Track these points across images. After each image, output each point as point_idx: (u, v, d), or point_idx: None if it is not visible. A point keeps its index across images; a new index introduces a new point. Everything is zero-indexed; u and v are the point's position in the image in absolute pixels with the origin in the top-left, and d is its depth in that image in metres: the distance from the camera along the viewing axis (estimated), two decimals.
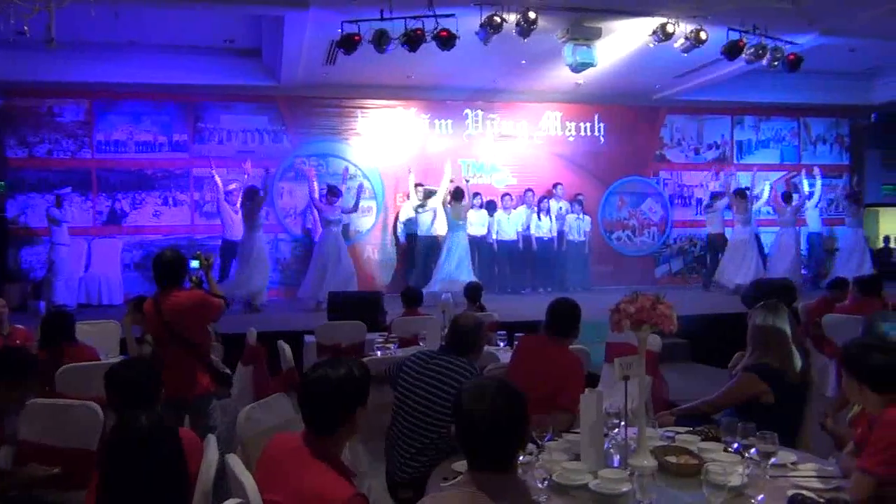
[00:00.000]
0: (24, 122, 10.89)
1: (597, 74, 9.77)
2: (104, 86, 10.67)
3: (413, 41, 7.68)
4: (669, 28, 8.30)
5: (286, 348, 5.32)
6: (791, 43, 9.01)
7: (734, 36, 8.66)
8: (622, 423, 2.87)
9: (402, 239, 11.58)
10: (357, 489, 2.22)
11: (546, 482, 2.53)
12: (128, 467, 2.05)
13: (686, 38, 8.46)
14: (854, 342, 2.81)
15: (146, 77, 10.35)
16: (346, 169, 11.37)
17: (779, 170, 13.45)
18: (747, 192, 11.34)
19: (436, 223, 10.88)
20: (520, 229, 11.45)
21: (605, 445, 2.88)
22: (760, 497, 2.41)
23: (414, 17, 7.63)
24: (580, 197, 12.02)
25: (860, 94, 12.99)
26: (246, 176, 10.15)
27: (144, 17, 8.93)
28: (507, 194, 11.62)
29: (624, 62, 9.86)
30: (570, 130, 12.78)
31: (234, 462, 2.49)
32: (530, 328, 5.98)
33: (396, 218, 11.75)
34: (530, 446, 2.58)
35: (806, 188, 12.35)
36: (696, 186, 13.42)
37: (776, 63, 8.96)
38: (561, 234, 11.66)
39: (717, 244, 11.85)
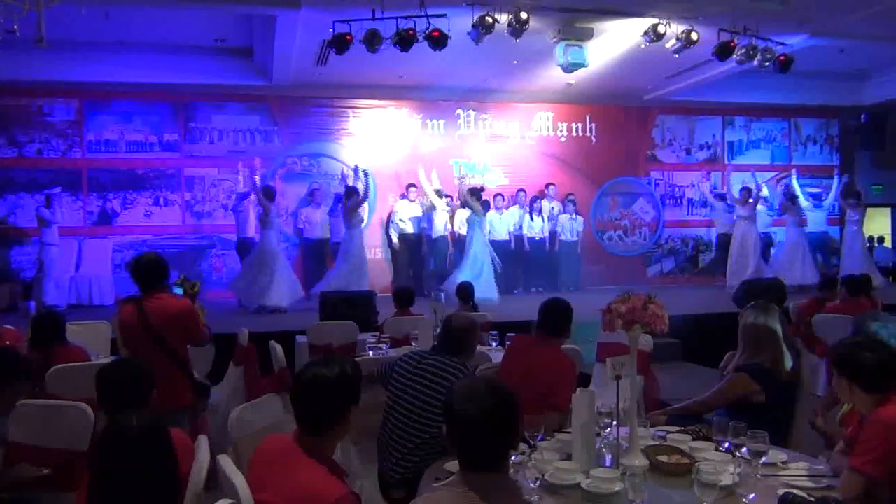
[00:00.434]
0: (14, 121, 10.83)
1: (588, 75, 9.79)
2: (95, 85, 10.62)
3: (405, 41, 7.67)
4: (661, 29, 8.33)
5: (278, 348, 5.30)
6: (781, 44, 9.05)
7: (725, 37, 8.69)
8: (614, 423, 2.87)
9: (394, 239, 11.48)
10: (350, 488, 2.22)
11: (538, 482, 2.53)
12: (119, 468, 2.04)
13: (677, 39, 8.49)
14: (844, 342, 2.83)
15: (137, 76, 10.31)
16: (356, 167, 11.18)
17: (769, 170, 13.51)
18: (751, 192, 11.39)
19: (441, 224, 10.90)
20: (512, 229, 11.47)
21: (597, 445, 2.88)
22: (751, 496, 2.42)
23: (406, 17, 7.63)
24: (572, 197, 12.03)
25: (850, 95, 13.07)
26: (258, 176, 10.07)
27: (135, 17, 8.90)
28: (500, 194, 11.64)
29: (615, 63, 9.88)
30: (561, 130, 12.81)
31: (226, 462, 2.48)
32: (522, 328, 5.99)
33: (389, 217, 11.66)
34: (522, 446, 2.59)
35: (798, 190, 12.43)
36: (688, 186, 13.47)
37: (767, 64, 9.00)
38: (553, 234, 11.69)
39: (725, 244, 11.92)
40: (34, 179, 10.79)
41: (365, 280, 9.66)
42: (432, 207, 11.11)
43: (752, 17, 8.50)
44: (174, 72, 10.38)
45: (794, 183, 12.17)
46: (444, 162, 11.91)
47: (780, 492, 2.46)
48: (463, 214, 10.85)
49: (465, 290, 6.92)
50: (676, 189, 13.45)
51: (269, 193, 9.77)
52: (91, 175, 11.06)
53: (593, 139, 12.92)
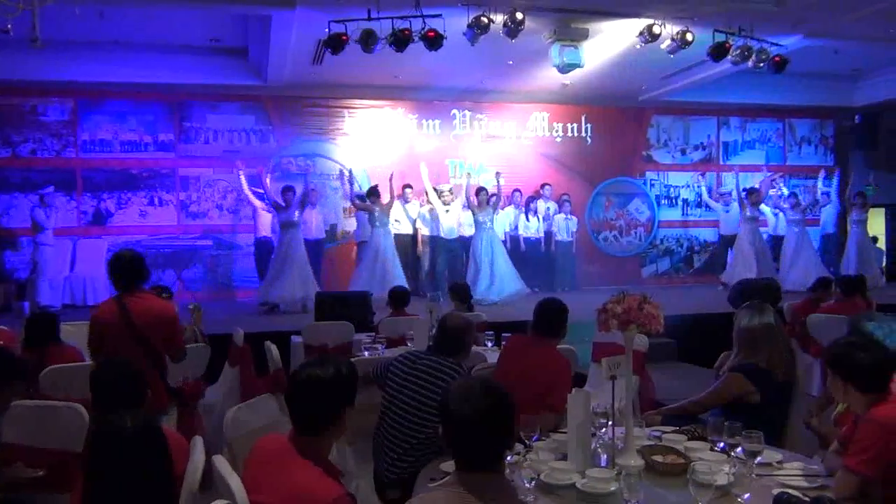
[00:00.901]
0: (8, 121, 10.79)
1: (584, 75, 9.79)
2: (89, 85, 10.58)
3: (400, 41, 7.67)
4: (656, 29, 8.34)
5: (273, 349, 5.29)
6: (776, 45, 9.07)
7: (720, 37, 8.71)
8: (609, 423, 2.88)
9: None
10: (345, 489, 2.21)
11: (533, 482, 2.54)
12: (113, 469, 2.04)
13: (672, 40, 8.51)
14: (839, 341, 2.83)
15: (131, 76, 10.28)
16: (350, 171, 11.18)
17: (766, 171, 13.53)
18: (755, 192, 11.41)
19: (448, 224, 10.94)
20: (507, 229, 11.48)
21: (593, 445, 2.89)
22: (746, 496, 2.42)
23: (401, 17, 7.62)
24: (566, 197, 12.04)
25: (844, 96, 13.12)
26: (269, 177, 10.04)
27: (129, 16, 8.87)
28: (495, 195, 11.63)
29: (611, 63, 9.90)
30: (557, 131, 12.82)
31: (221, 463, 2.47)
32: (518, 328, 6.00)
33: None
34: (518, 446, 2.59)
35: (785, 191, 12.51)
36: (683, 187, 13.50)
37: (762, 64, 9.01)
38: (548, 234, 11.70)
39: (727, 245, 11.96)
40: (28, 179, 10.75)
41: (401, 278, 9.68)
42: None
43: (747, 18, 8.52)
44: (169, 71, 10.35)
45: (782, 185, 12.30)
46: (440, 162, 11.90)
47: (775, 491, 2.46)
48: (468, 215, 10.82)
49: (462, 290, 6.92)
50: (671, 189, 13.48)
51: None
52: (85, 175, 11.03)
53: (588, 140, 12.94)
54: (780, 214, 12.28)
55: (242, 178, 10.35)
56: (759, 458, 2.62)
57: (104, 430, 2.13)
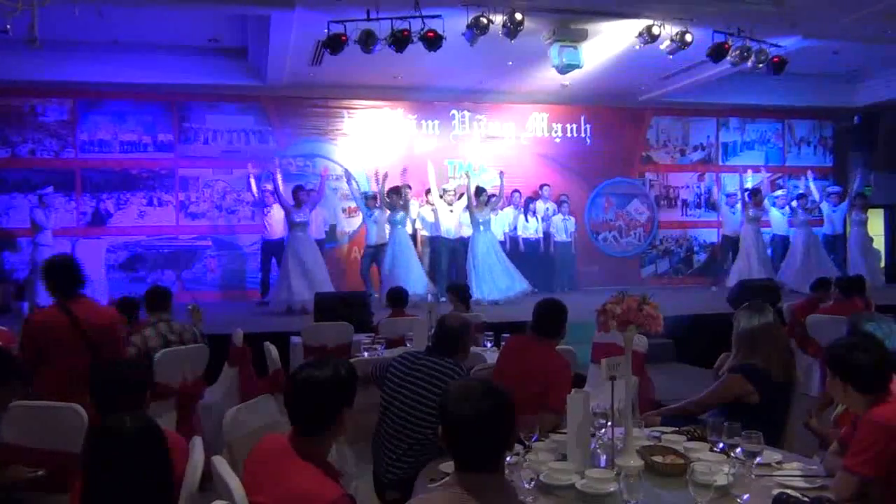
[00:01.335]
0: (7, 121, 10.78)
1: (583, 76, 9.80)
2: (88, 85, 10.58)
3: (400, 42, 7.66)
4: (655, 30, 8.34)
5: (272, 349, 5.30)
6: (775, 45, 9.07)
7: (719, 38, 8.71)
8: (609, 424, 2.88)
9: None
10: (344, 490, 2.21)
11: (533, 482, 2.53)
12: (113, 469, 2.03)
13: (672, 40, 8.51)
14: (838, 342, 2.83)
15: (131, 76, 10.27)
16: (326, 169, 11.24)
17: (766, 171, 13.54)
18: (758, 193, 11.41)
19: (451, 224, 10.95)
20: (507, 230, 11.47)
21: (592, 445, 2.89)
22: (745, 496, 2.42)
23: (400, 18, 7.62)
24: (564, 198, 12.04)
25: (843, 97, 13.11)
26: (280, 176, 10.04)
27: (128, 17, 8.85)
28: (494, 195, 11.64)
29: (610, 64, 9.90)
30: (556, 131, 12.82)
31: (221, 463, 2.47)
32: (517, 329, 5.99)
33: None
34: (517, 447, 2.59)
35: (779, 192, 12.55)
36: (682, 188, 13.50)
37: (761, 65, 9.01)
38: (547, 234, 11.70)
39: (729, 246, 11.97)
40: (27, 180, 10.74)
41: (422, 276, 9.77)
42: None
43: (746, 19, 8.51)
44: (168, 72, 10.34)
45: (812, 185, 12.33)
46: (440, 162, 11.89)
47: (775, 492, 2.46)
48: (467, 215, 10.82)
49: (461, 291, 6.92)
50: (671, 190, 13.48)
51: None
52: (84, 175, 11.02)
53: (588, 140, 12.94)
54: (781, 214, 12.30)
55: (252, 179, 10.33)
56: (758, 459, 2.63)
57: (103, 430, 2.13)
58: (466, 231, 10.71)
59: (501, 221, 11.43)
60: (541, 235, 11.65)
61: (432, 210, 11.02)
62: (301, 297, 9.23)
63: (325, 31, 7.77)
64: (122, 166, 11.14)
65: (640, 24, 8.40)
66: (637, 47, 8.72)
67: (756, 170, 12.63)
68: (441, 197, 10.90)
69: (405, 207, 10.22)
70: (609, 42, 9.07)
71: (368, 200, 10.61)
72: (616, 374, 2.84)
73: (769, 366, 3.44)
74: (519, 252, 11.41)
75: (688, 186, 13.50)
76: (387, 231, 10.27)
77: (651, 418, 3.52)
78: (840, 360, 2.69)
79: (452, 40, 7.81)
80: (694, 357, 7.74)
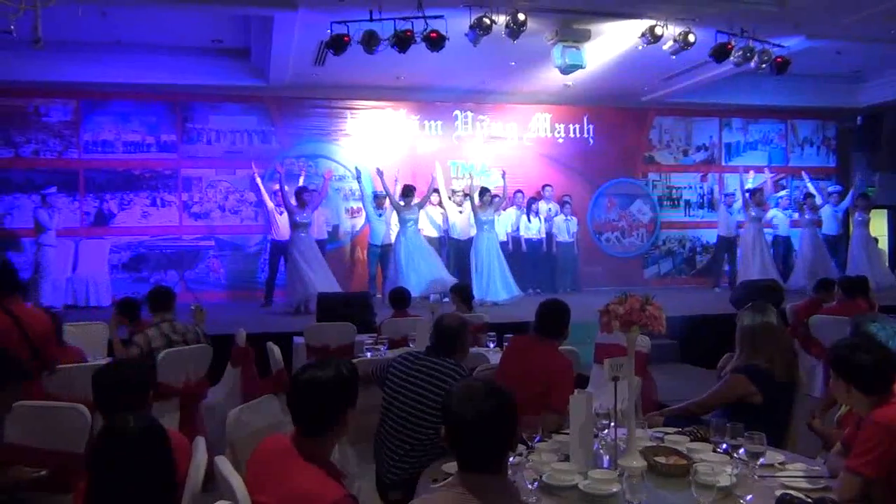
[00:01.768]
0: (11, 121, 10.80)
1: (586, 76, 9.79)
2: (91, 85, 10.59)
3: (402, 42, 7.67)
4: (658, 30, 8.33)
5: (275, 350, 5.30)
6: (778, 46, 9.06)
7: (722, 38, 8.70)
8: (611, 424, 2.88)
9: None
10: (347, 490, 2.22)
11: (536, 483, 2.54)
12: (116, 470, 2.04)
13: (674, 41, 8.50)
14: (841, 343, 2.83)
15: (134, 77, 10.28)
16: (329, 170, 11.24)
17: (769, 171, 13.53)
18: (758, 193, 11.39)
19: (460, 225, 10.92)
20: (509, 230, 11.47)
21: (595, 446, 2.89)
22: (749, 497, 2.42)
23: (403, 18, 7.62)
24: (566, 198, 12.04)
25: (846, 97, 13.09)
26: (283, 176, 10.06)
27: (132, 17, 8.87)
28: (497, 196, 11.63)
29: (613, 64, 9.89)
30: (559, 132, 12.81)
31: (224, 464, 2.48)
32: (520, 329, 5.99)
33: None
34: (520, 447, 2.59)
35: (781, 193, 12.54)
36: (685, 188, 13.49)
37: (764, 66, 9.00)
38: (549, 235, 11.69)
39: (725, 246, 11.96)
40: (30, 180, 10.76)
41: (441, 273, 9.79)
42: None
43: (749, 20, 8.51)
44: (171, 72, 10.35)
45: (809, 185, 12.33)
46: (442, 163, 11.88)
47: (778, 493, 2.46)
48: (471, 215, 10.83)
49: (464, 291, 6.92)
50: (674, 190, 13.47)
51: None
52: (88, 176, 11.04)
53: (591, 140, 12.93)
54: (781, 214, 12.29)
55: (258, 178, 10.35)
56: (761, 460, 2.62)
57: (107, 430, 2.14)
58: (474, 231, 10.73)
59: (504, 222, 11.43)
60: (543, 236, 11.64)
61: (441, 212, 11.03)
62: (313, 293, 9.26)
63: (328, 31, 7.78)
64: (126, 167, 11.15)
65: (642, 24, 8.39)
66: (640, 48, 8.72)
67: (759, 170, 12.61)
68: (450, 198, 10.91)
69: (419, 207, 10.21)
70: (612, 42, 9.06)
71: (377, 200, 10.61)
72: (619, 375, 2.84)
73: (772, 366, 3.44)
74: (521, 252, 11.42)
75: (690, 187, 13.50)
76: (393, 231, 10.26)
77: (654, 419, 3.52)
78: (843, 360, 2.69)
79: (455, 41, 7.80)
80: (697, 358, 7.73)
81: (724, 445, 2.78)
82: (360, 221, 11.76)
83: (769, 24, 8.62)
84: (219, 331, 6.21)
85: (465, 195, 10.80)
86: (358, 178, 10.70)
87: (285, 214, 10.17)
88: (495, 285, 10.17)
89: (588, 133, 12.91)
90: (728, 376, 3.55)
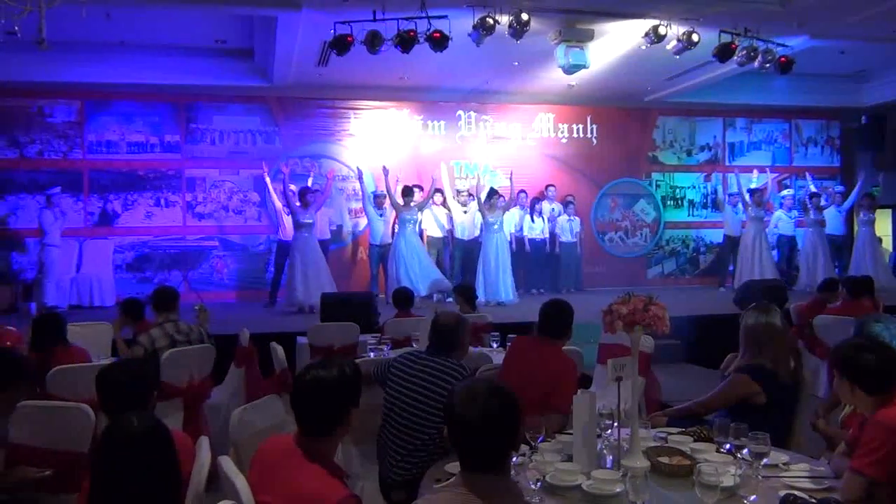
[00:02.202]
0: (15, 122, 10.83)
1: (589, 76, 9.79)
2: (96, 86, 10.62)
3: (406, 42, 7.67)
4: (661, 30, 8.32)
5: (279, 350, 5.30)
6: (782, 45, 9.04)
7: (726, 38, 8.69)
8: (615, 424, 2.87)
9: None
10: (350, 490, 2.22)
11: (539, 483, 2.53)
12: (120, 469, 2.04)
13: (678, 41, 8.49)
14: (846, 343, 2.82)
15: (138, 77, 10.31)
16: (332, 170, 11.24)
17: (771, 171, 13.50)
18: (758, 192, 11.39)
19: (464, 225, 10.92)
20: (513, 230, 11.46)
21: (598, 446, 2.88)
22: (752, 497, 2.42)
23: (406, 19, 7.62)
24: (570, 198, 12.03)
25: (850, 97, 13.06)
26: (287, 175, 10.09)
27: (136, 18, 8.89)
28: (501, 197, 11.61)
29: (616, 64, 9.88)
30: (562, 132, 12.81)
31: (227, 463, 2.48)
32: (523, 329, 5.99)
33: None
34: (523, 447, 2.59)
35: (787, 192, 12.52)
36: (689, 188, 13.48)
37: (768, 65, 8.99)
38: (553, 235, 11.69)
39: (731, 246, 11.95)
40: (35, 180, 10.79)
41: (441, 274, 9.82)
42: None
43: (753, 19, 8.50)
44: (175, 73, 10.38)
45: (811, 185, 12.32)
46: (445, 163, 11.89)
47: (782, 493, 2.46)
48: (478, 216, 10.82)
49: (468, 291, 6.92)
50: (677, 190, 13.45)
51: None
52: (92, 176, 11.07)
53: (594, 140, 12.93)
54: (785, 215, 12.28)
55: (268, 179, 10.38)
56: (765, 460, 2.62)
57: (111, 430, 2.14)
58: (480, 232, 10.73)
59: (507, 222, 11.41)
60: (546, 236, 11.63)
61: (446, 212, 11.03)
62: (312, 297, 9.24)
63: (332, 31, 7.79)
64: (130, 167, 11.18)
65: (646, 24, 8.39)
66: (643, 47, 8.71)
67: (762, 170, 12.58)
68: (455, 198, 10.91)
69: (419, 208, 10.22)
70: (615, 42, 9.06)
71: (377, 199, 10.62)
72: (622, 375, 2.83)
73: (776, 366, 3.43)
74: (525, 253, 11.41)
75: (694, 187, 13.49)
76: (392, 231, 10.27)
77: (657, 419, 3.51)
78: (847, 361, 2.68)
79: (458, 41, 7.81)
80: (701, 358, 7.72)
81: (728, 446, 2.77)
82: (363, 222, 11.75)
83: (773, 24, 8.60)
84: (222, 331, 6.23)
85: (471, 195, 10.80)
86: (359, 177, 10.70)
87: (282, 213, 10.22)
88: (503, 286, 10.17)
89: (591, 133, 12.91)
90: (732, 376, 3.54)
